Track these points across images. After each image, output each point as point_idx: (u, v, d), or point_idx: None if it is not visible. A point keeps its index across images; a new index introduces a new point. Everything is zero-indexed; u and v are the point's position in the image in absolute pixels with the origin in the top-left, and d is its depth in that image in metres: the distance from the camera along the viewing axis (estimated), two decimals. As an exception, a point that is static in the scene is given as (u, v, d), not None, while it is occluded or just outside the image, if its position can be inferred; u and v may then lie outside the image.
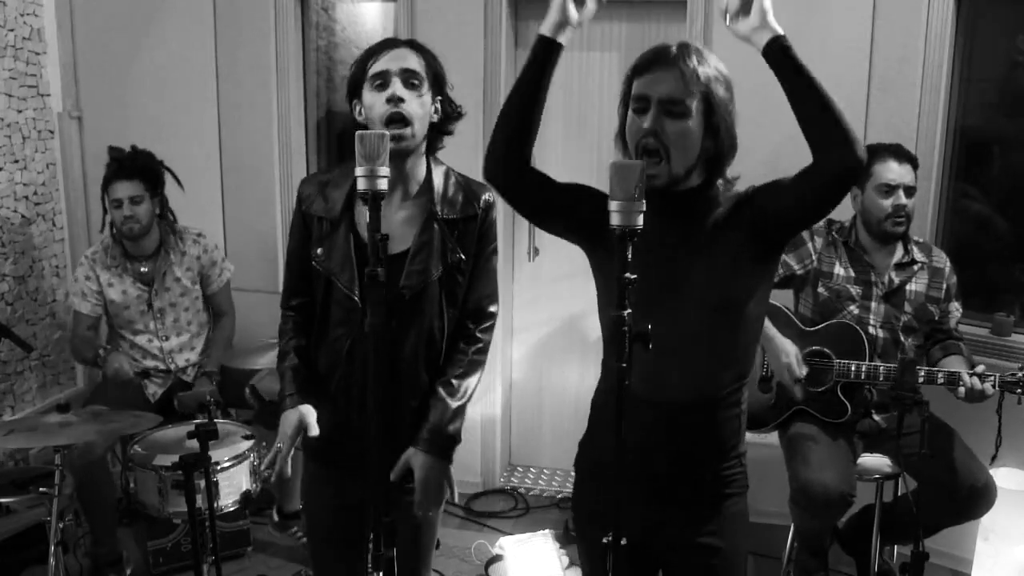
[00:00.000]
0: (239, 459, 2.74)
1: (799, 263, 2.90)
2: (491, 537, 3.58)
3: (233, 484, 2.72)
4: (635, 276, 1.39)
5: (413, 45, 2.01)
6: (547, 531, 3.48)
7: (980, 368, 2.66)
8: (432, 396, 2.02)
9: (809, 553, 2.96)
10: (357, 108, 2.00)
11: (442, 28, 3.68)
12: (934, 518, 2.71)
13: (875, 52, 3.34)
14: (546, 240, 3.93)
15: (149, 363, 3.42)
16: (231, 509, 2.74)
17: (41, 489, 2.87)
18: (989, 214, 3.49)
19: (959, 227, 3.50)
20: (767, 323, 2.80)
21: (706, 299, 1.66)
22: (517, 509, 3.95)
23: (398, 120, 1.92)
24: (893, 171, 2.80)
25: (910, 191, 2.83)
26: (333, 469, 2.08)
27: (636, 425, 1.42)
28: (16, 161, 3.78)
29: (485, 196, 2.05)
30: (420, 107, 1.96)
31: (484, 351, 2.09)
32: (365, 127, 1.98)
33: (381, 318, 1.59)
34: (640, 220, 1.41)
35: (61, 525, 2.69)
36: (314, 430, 1.99)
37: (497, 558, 3.39)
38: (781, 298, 2.95)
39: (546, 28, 1.69)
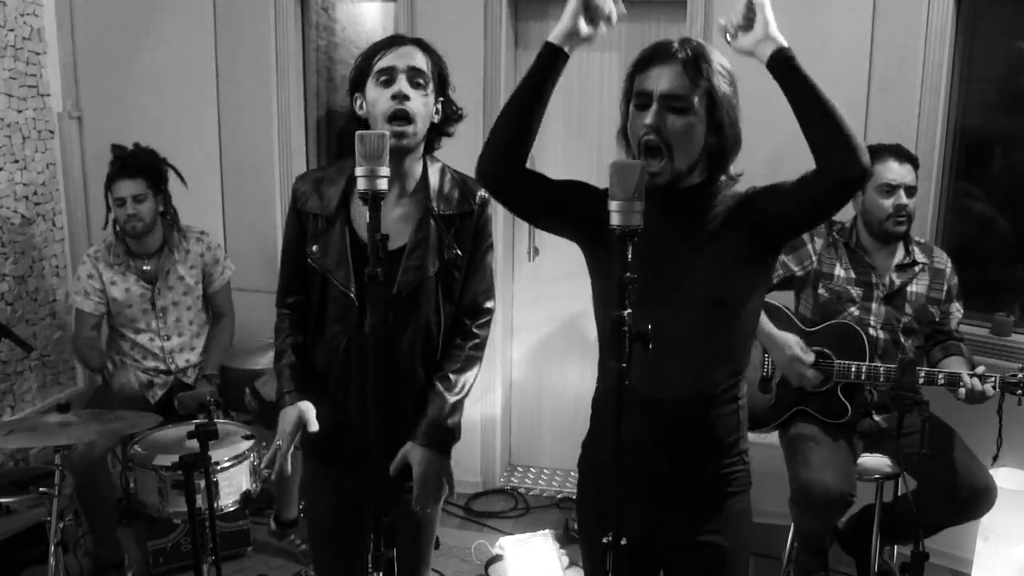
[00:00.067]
0: (239, 459, 2.74)
1: (799, 264, 2.90)
2: (491, 537, 3.57)
3: (233, 484, 2.72)
4: (635, 276, 1.40)
5: (420, 44, 2.01)
6: (547, 531, 3.48)
7: (980, 369, 2.66)
8: (430, 391, 2.02)
9: (809, 553, 2.96)
10: (359, 102, 2.00)
11: (442, 28, 3.68)
12: (934, 518, 2.71)
13: (875, 52, 3.34)
14: (546, 240, 3.93)
15: (149, 363, 3.42)
16: (231, 509, 2.75)
17: (41, 489, 2.87)
18: (991, 214, 3.49)
19: (959, 227, 3.50)
20: (767, 323, 2.81)
21: (704, 296, 1.66)
22: (517, 509, 3.95)
23: (402, 117, 1.92)
24: (894, 171, 2.80)
25: (911, 191, 2.83)
26: (332, 467, 2.08)
27: (634, 423, 1.42)
28: (16, 161, 3.78)
29: (481, 192, 2.05)
30: (423, 106, 1.96)
31: (481, 347, 2.09)
32: (364, 121, 1.99)
33: (381, 318, 1.59)
34: (640, 220, 1.41)
35: (61, 525, 2.69)
36: (313, 426, 1.99)
37: (497, 558, 3.39)
38: (781, 298, 2.95)
39: (555, 36, 1.68)
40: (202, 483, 2.43)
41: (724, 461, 1.75)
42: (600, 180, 1.56)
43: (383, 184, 1.58)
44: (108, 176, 3.34)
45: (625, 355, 1.39)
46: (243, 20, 3.90)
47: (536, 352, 4.17)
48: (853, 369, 2.76)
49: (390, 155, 1.59)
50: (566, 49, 1.67)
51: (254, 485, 2.79)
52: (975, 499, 2.72)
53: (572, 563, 3.31)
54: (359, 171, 1.58)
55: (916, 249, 2.91)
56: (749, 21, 1.59)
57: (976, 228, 3.53)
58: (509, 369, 4.18)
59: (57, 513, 2.64)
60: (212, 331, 3.58)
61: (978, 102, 3.44)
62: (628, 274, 1.40)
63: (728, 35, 1.63)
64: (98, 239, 3.86)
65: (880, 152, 2.83)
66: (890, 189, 2.80)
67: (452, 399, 2.02)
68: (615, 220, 1.41)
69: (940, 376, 2.67)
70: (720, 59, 1.67)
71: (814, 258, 2.89)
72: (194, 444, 2.32)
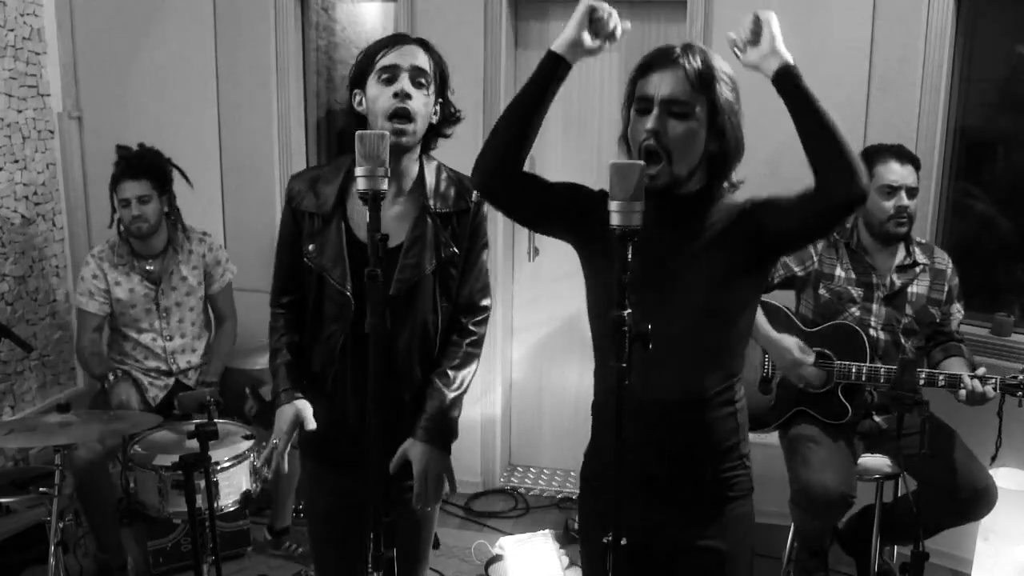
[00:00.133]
0: (239, 459, 2.74)
1: (800, 265, 2.90)
2: (491, 537, 3.57)
3: (233, 484, 2.72)
4: (627, 278, 1.40)
5: (424, 44, 2.01)
6: (547, 531, 3.47)
7: (981, 371, 2.65)
8: (428, 387, 2.02)
9: (809, 553, 2.96)
10: (358, 98, 1.99)
11: (442, 28, 3.68)
12: (934, 519, 2.71)
13: (875, 52, 3.34)
14: (546, 240, 3.92)
15: (151, 363, 3.41)
16: (231, 509, 2.75)
17: (41, 489, 2.87)
18: (991, 214, 3.49)
19: (959, 227, 3.50)
20: (766, 326, 2.81)
21: (697, 305, 1.67)
22: (517, 509, 3.95)
23: (403, 115, 1.92)
24: (895, 172, 2.80)
25: (912, 192, 2.82)
26: (330, 467, 2.08)
27: (630, 424, 1.42)
28: (16, 161, 3.78)
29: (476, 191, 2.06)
30: (424, 106, 1.96)
31: (479, 344, 2.09)
32: (362, 117, 1.99)
33: (381, 318, 1.59)
34: (639, 220, 1.41)
35: (61, 525, 2.69)
36: (311, 424, 1.99)
37: (497, 558, 3.39)
38: (781, 298, 2.95)
39: (558, 45, 1.67)
40: (202, 483, 2.44)
41: (723, 465, 1.75)
42: (600, 181, 1.56)
43: (383, 184, 1.59)
44: (113, 177, 3.34)
45: (625, 355, 1.39)
46: (243, 20, 3.90)
47: (536, 352, 4.17)
48: (853, 370, 2.76)
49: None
50: (568, 59, 1.67)
51: (254, 485, 2.79)
52: (975, 500, 2.72)
53: (572, 563, 3.31)
54: (359, 171, 1.58)
55: (917, 250, 2.90)
56: (756, 36, 1.60)
57: (976, 228, 3.53)
58: (509, 369, 4.18)
59: (57, 513, 2.64)
60: (215, 336, 3.58)
61: (978, 102, 3.44)
62: (628, 274, 1.40)
63: (736, 49, 1.63)
64: (98, 239, 3.87)
65: (881, 153, 2.82)
66: (891, 191, 2.79)
67: (451, 395, 2.02)
68: (615, 220, 1.41)
69: (940, 377, 2.66)
70: (722, 65, 1.68)
71: (815, 258, 2.89)
72: (194, 444, 2.32)
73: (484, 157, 1.74)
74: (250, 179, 4.00)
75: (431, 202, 2.01)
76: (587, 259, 1.79)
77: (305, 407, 2.01)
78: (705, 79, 1.63)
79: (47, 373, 3.99)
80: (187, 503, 2.35)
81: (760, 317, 2.82)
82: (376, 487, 1.66)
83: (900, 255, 2.89)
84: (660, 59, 1.66)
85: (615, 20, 1.66)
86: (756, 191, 1.71)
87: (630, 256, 1.41)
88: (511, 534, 3.54)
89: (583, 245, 1.79)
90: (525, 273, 4.11)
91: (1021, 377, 2.61)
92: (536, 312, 4.12)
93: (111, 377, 3.30)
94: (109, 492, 3.16)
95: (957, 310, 2.94)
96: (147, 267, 3.39)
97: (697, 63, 1.63)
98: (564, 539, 3.50)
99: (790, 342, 2.77)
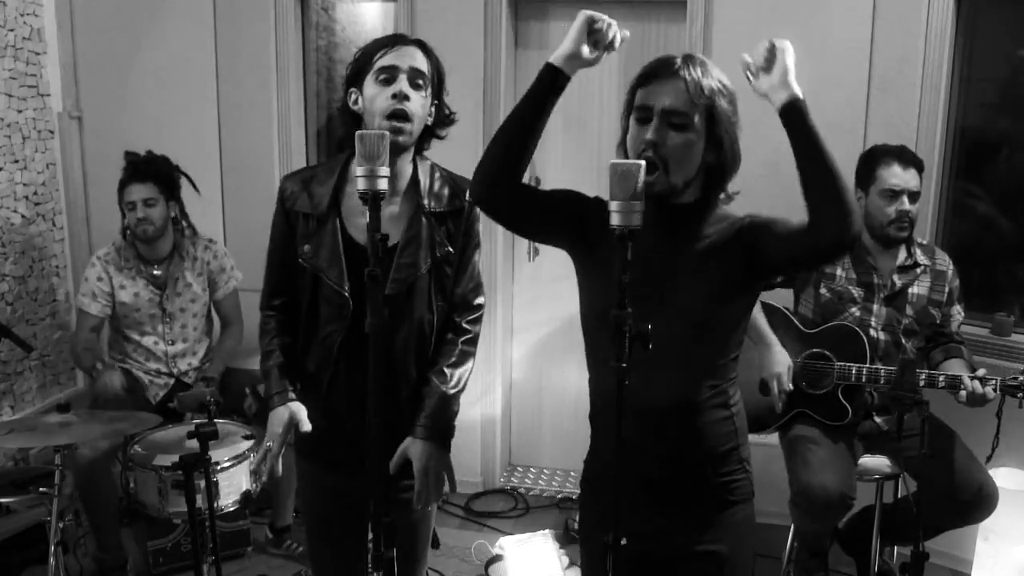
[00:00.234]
0: (239, 459, 2.74)
1: (800, 264, 2.90)
2: (491, 537, 3.57)
3: (233, 484, 2.72)
4: (627, 278, 1.40)
5: (422, 46, 2.01)
6: (547, 531, 3.47)
7: (981, 372, 2.65)
8: (426, 386, 2.02)
9: (809, 553, 2.96)
10: (354, 96, 1.99)
11: (442, 28, 3.68)
12: (934, 520, 2.70)
13: (875, 52, 3.34)
14: (546, 240, 3.93)
15: (152, 364, 3.42)
16: (231, 509, 2.75)
17: (41, 489, 2.87)
18: (991, 214, 3.49)
19: (959, 227, 3.50)
20: (767, 330, 2.81)
21: (688, 316, 1.67)
22: (517, 509, 3.95)
23: (400, 116, 1.92)
24: (897, 176, 2.79)
25: (914, 196, 2.81)
26: (327, 468, 2.08)
27: (626, 430, 1.43)
28: (16, 161, 3.78)
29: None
30: (421, 108, 1.97)
31: (474, 342, 2.10)
32: (357, 116, 1.99)
33: (381, 318, 1.59)
34: (639, 220, 1.42)
35: (61, 525, 2.69)
36: (306, 426, 1.99)
37: (497, 558, 3.39)
38: (781, 298, 2.95)
39: (556, 58, 1.67)
40: (202, 483, 2.43)
41: (722, 469, 1.74)
42: (600, 181, 1.56)
43: (383, 184, 1.59)
44: (120, 180, 3.38)
45: (625, 355, 1.39)
46: (243, 20, 3.90)
47: (536, 352, 4.17)
48: (853, 371, 2.76)
49: None
50: (566, 71, 1.67)
51: (254, 485, 2.79)
52: (976, 502, 2.72)
53: (572, 563, 3.31)
54: (359, 171, 1.58)
55: (918, 251, 2.90)
56: (770, 64, 1.58)
57: (976, 228, 3.53)
58: (509, 369, 4.18)
59: (57, 513, 2.64)
60: (220, 336, 3.60)
61: (978, 102, 3.44)
62: (628, 275, 1.40)
63: (749, 73, 1.62)
64: (98, 239, 3.87)
65: (885, 155, 2.82)
66: (893, 194, 2.79)
67: (449, 392, 2.02)
68: (615, 220, 1.42)
69: (941, 379, 2.66)
70: (721, 76, 1.68)
71: (816, 258, 2.89)
72: (194, 444, 2.32)
73: (483, 169, 1.73)
74: (250, 179, 4.00)
75: (426, 202, 2.01)
76: (583, 267, 1.79)
77: (299, 409, 2.00)
78: (705, 91, 1.63)
79: (47, 373, 3.99)
80: (187, 503, 2.35)
81: (760, 319, 2.82)
82: (376, 487, 1.66)
83: (901, 256, 2.89)
84: (660, 69, 1.66)
85: (614, 30, 1.66)
86: (756, 193, 1.72)
87: (629, 256, 1.41)
88: (511, 534, 3.54)
89: (580, 252, 1.79)
90: (525, 273, 4.11)
91: (1021, 378, 2.60)
92: (536, 312, 4.12)
93: (98, 366, 3.31)
94: (110, 492, 3.16)
95: (957, 311, 2.93)
96: (154, 272, 3.41)
97: (697, 75, 1.64)
98: (564, 539, 3.50)
99: (784, 360, 2.77)
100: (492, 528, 3.76)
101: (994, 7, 3.39)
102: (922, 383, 2.60)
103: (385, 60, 1.95)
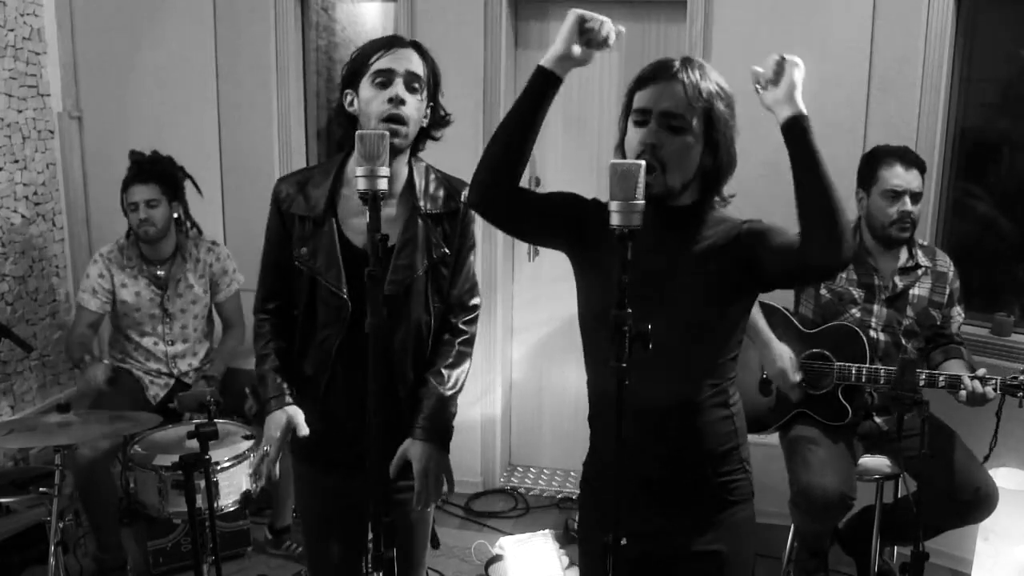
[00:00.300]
0: (239, 459, 2.74)
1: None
2: (491, 537, 3.57)
3: (233, 484, 2.72)
4: (627, 278, 1.40)
5: (418, 48, 2.01)
6: (547, 531, 3.47)
7: (981, 372, 2.65)
8: (423, 387, 2.02)
9: (809, 553, 2.96)
10: (349, 98, 1.99)
11: (442, 28, 3.68)
12: (934, 521, 2.70)
13: (875, 52, 3.34)
14: (546, 240, 3.93)
15: (152, 364, 3.42)
16: (231, 509, 2.75)
17: (41, 489, 2.88)
18: (991, 214, 3.49)
19: (959, 227, 3.50)
20: (764, 327, 2.80)
21: (684, 318, 1.67)
22: (517, 509, 3.95)
23: (396, 121, 1.92)
24: (900, 176, 2.79)
25: (916, 197, 2.81)
26: (325, 470, 2.08)
27: (626, 430, 1.43)
28: (16, 161, 3.78)
29: (465, 191, 2.06)
30: (416, 111, 1.97)
31: (470, 343, 2.10)
32: (353, 117, 1.99)
33: (381, 318, 1.59)
34: (640, 220, 1.42)
35: (61, 525, 2.69)
36: (303, 431, 1.98)
37: (497, 558, 3.39)
38: (781, 298, 2.95)
39: (547, 60, 1.66)
40: (202, 483, 2.43)
41: (722, 469, 1.74)
42: (600, 181, 1.57)
43: (383, 184, 1.59)
44: (124, 181, 3.38)
45: (625, 355, 1.39)
46: (243, 20, 3.90)
47: (536, 352, 4.17)
48: (853, 371, 2.76)
49: None
50: (558, 73, 1.65)
51: (254, 485, 2.79)
52: (975, 502, 2.72)
53: (572, 563, 3.31)
54: (359, 171, 1.58)
55: (919, 252, 2.90)
56: (778, 76, 1.57)
57: (976, 228, 3.53)
58: (509, 369, 4.18)
59: (57, 513, 2.64)
60: (221, 338, 3.61)
61: (978, 102, 3.44)
62: (627, 275, 1.40)
63: (758, 84, 1.61)
64: (98, 239, 3.87)
65: (887, 156, 2.82)
66: (895, 195, 2.79)
67: (447, 394, 2.02)
68: (615, 220, 1.42)
69: (941, 379, 2.66)
70: (719, 79, 1.68)
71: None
72: (194, 444, 2.32)
73: (480, 175, 1.72)
74: (250, 179, 4.00)
75: (421, 203, 2.01)
76: (581, 268, 1.79)
77: (296, 413, 2.00)
78: (703, 94, 1.63)
79: (47, 373, 3.99)
80: (187, 503, 2.35)
81: (759, 319, 2.82)
82: (376, 487, 1.66)
83: (903, 257, 2.89)
84: (658, 72, 1.66)
85: (608, 27, 1.64)
86: (756, 193, 1.71)
87: (629, 256, 1.41)
88: (511, 534, 3.54)
89: (578, 254, 1.79)
90: (525, 273, 4.11)
91: (1021, 378, 2.60)
92: (536, 312, 4.12)
93: (87, 358, 3.31)
94: (110, 492, 3.16)
95: (958, 313, 2.93)
96: (156, 272, 3.42)
97: (695, 78, 1.64)
98: (564, 539, 3.49)
99: (785, 352, 2.77)
100: (492, 528, 3.76)
101: (994, 7, 3.39)
102: (922, 383, 2.60)
103: (381, 63, 1.94)
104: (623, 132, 1.72)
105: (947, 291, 2.89)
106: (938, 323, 2.89)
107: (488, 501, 4.01)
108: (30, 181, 3.86)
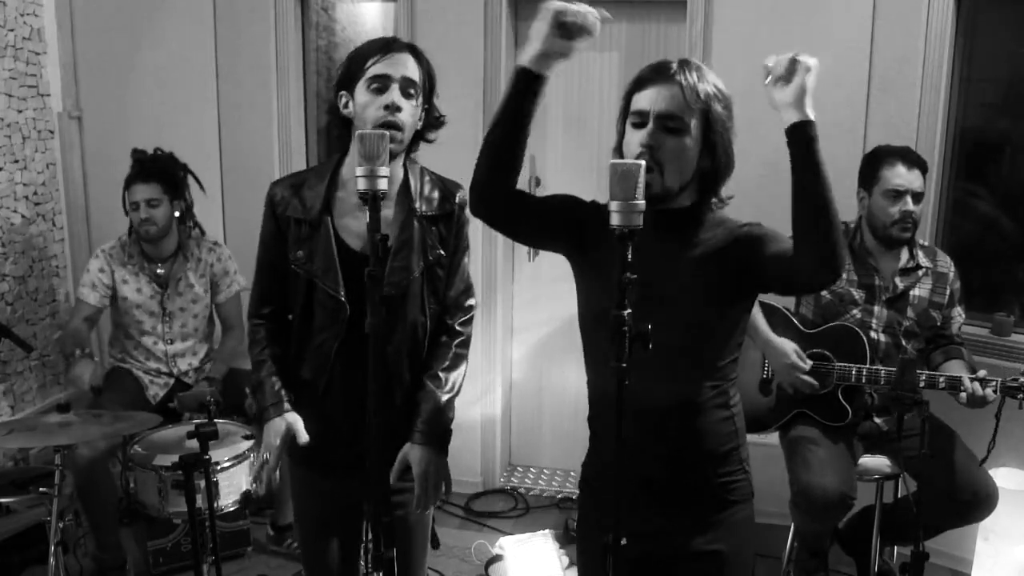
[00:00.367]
0: (239, 459, 2.74)
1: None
2: (491, 537, 3.57)
3: (233, 484, 2.72)
4: (634, 276, 1.40)
5: (414, 52, 2.00)
6: (547, 531, 3.48)
7: (982, 373, 2.64)
8: (421, 390, 2.02)
9: (809, 553, 2.96)
10: (344, 100, 1.99)
11: (442, 28, 3.68)
12: (934, 520, 2.70)
13: (875, 52, 3.34)
14: (546, 240, 3.93)
15: (152, 363, 3.42)
16: (231, 509, 2.75)
17: (41, 489, 2.88)
18: (991, 214, 3.49)
19: (959, 227, 3.50)
20: (764, 327, 2.80)
21: (684, 320, 1.67)
22: (517, 509, 3.95)
23: (392, 127, 1.91)
24: (901, 176, 2.78)
25: (918, 197, 2.80)
26: (323, 472, 2.07)
27: (626, 430, 1.43)
28: (16, 161, 3.78)
29: (460, 193, 2.07)
30: (411, 117, 1.96)
31: (466, 344, 2.10)
32: (347, 119, 1.98)
33: (381, 318, 1.59)
34: (640, 220, 1.41)
35: (61, 525, 2.69)
36: (303, 438, 1.98)
37: (497, 558, 3.39)
38: (781, 298, 2.95)
39: (528, 60, 1.63)
40: (202, 483, 2.43)
41: (722, 469, 1.74)
42: (600, 181, 1.57)
43: (383, 184, 1.59)
44: (126, 179, 3.38)
45: (625, 355, 1.39)
46: (243, 20, 3.91)
47: (536, 352, 4.17)
48: (853, 371, 2.76)
49: None
50: (540, 71, 1.63)
51: (254, 486, 2.79)
52: (975, 502, 2.71)
53: (572, 563, 3.31)
54: (359, 171, 1.58)
55: (920, 253, 2.90)
56: (790, 76, 1.53)
57: (976, 228, 3.53)
58: (509, 369, 4.18)
59: (57, 513, 2.64)
60: (221, 339, 3.61)
61: (978, 102, 3.44)
62: (627, 275, 1.40)
63: (768, 80, 1.56)
64: (98, 239, 3.87)
65: (889, 156, 2.81)
66: (897, 195, 2.78)
67: (445, 397, 2.02)
68: (615, 220, 1.42)
69: (941, 380, 2.66)
70: (717, 81, 1.67)
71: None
72: (194, 444, 2.32)
73: (476, 180, 1.72)
74: (250, 179, 3.99)
75: (417, 205, 2.01)
76: (581, 270, 1.79)
77: (296, 420, 1.99)
78: (700, 96, 1.63)
79: (47, 373, 3.99)
80: (187, 503, 2.35)
81: (759, 318, 2.82)
82: (376, 488, 1.66)
83: (903, 258, 2.89)
84: (656, 74, 1.66)
85: (589, 17, 1.59)
86: (756, 193, 1.71)
87: (630, 256, 1.41)
88: (511, 534, 3.54)
89: (578, 256, 1.79)
90: (525, 273, 4.11)
91: (1022, 379, 2.60)
92: (536, 312, 4.12)
93: (76, 353, 3.31)
94: (109, 492, 3.16)
95: (958, 313, 2.93)
96: (157, 270, 3.41)
97: (693, 79, 1.63)
98: (564, 539, 3.49)
99: (788, 346, 2.77)
100: (492, 528, 3.76)
101: (994, 7, 3.39)
102: (922, 384, 2.59)
103: (377, 68, 1.93)
104: (621, 134, 1.73)
105: (948, 292, 2.89)
106: (938, 324, 2.89)
107: (488, 501, 4.01)
108: (30, 181, 3.86)
